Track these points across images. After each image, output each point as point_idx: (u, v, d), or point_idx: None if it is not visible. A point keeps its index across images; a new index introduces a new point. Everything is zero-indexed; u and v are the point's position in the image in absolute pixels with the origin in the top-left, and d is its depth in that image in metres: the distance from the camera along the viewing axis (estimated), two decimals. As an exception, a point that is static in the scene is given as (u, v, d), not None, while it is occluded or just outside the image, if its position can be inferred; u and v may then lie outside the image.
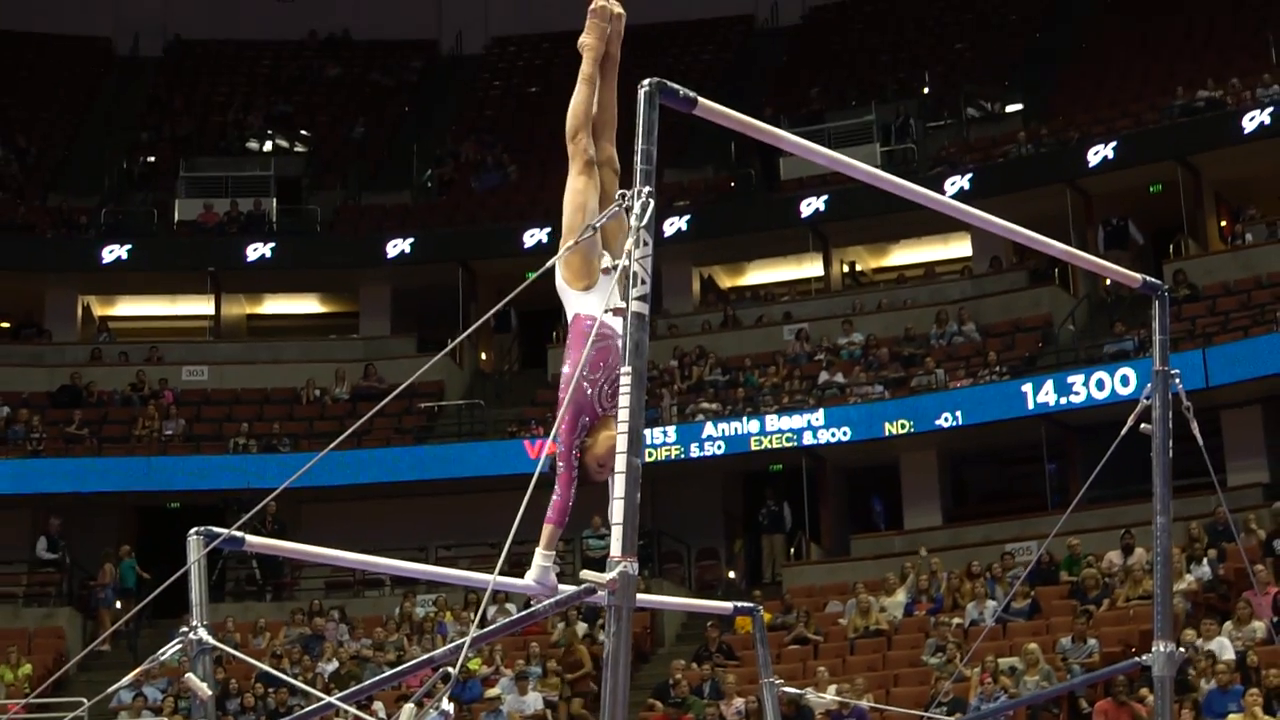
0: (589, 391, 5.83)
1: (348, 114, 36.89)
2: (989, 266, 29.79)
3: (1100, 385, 24.03)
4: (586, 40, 6.60)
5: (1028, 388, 24.74)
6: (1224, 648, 17.98)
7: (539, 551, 5.89)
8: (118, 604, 24.96)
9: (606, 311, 5.54)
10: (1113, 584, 21.02)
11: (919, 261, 32.07)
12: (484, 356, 31.86)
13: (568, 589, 5.80)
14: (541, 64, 38.45)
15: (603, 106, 6.61)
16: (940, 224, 28.69)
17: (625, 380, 4.09)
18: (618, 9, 6.64)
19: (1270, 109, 27.04)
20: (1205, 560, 20.58)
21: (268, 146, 35.81)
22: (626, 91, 4.66)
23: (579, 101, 6.62)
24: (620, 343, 5.55)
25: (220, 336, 32.12)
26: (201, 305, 32.49)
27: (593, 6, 6.59)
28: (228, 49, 38.55)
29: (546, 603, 5.14)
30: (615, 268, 4.18)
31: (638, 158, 4.28)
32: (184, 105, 36.87)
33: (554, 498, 5.92)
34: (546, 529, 5.91)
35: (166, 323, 33.17)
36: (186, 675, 5.60)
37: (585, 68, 6.62)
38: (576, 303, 6.02)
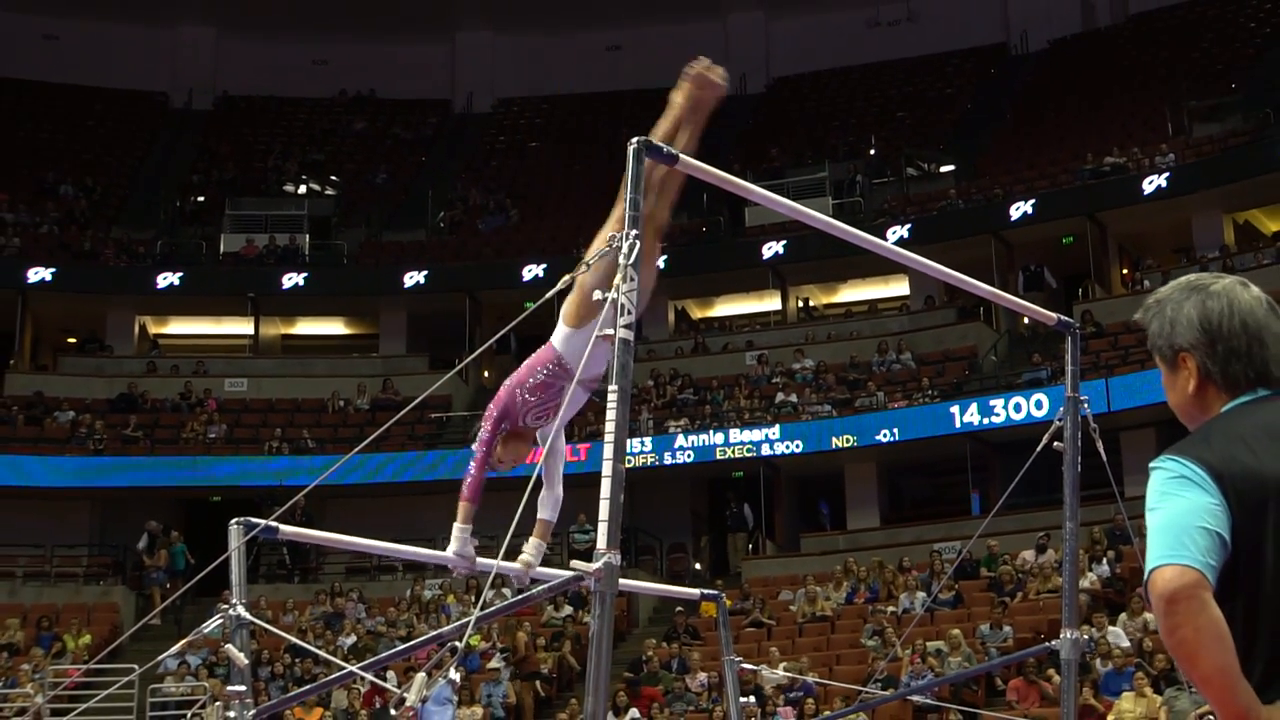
0: (519, 404, 5.79)
1: (372, 163, 36.89)
2: (924, 304, 29.85)
3: (1018, 408, 24.10)
4: (675, 98, 5.81)
5: (955, 409, 24.78)
6: (1119, 636, 18.02)
7: (456, 526, 5.84)
8: (167, 584, 24.87)
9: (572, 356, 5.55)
10: (1025, 579, 21.05)
11: (863, 299, 32.13)
12: (486, 374, 31.83)
13: (555, 573, 5.80)
14: (541, 122, 38.54)
15: (672, 170, 5.85)
16: (882, 267, 28.80)
17: (612, 398, 4.10)
18: (717, 79, 5.81)
19: (1166, 174, 27.21)
20: (1105, 560, 20.65)
21: (302, 190, 35.77)
22: (620, 149, 4.68)
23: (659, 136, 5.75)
24: (566, 388, 5.63)
25: (258, 353, 32.04)
26: (242, 326, 32.43)
27: (690, 70, 5.83)
28: (269, 104, 38.57)
29: (541, 588, 5.14)
30: (605, 299, 4.18)
31: (626, 205, 4.30)
32: (230, 152, 36.83)
33: (467, 478, 5.88)
34: (461, 506, 5.86)
35: (211, 340, 33.09)
36: (226, 646, 5.59)
37: (663, 124, 5.72)
38: (558, 336, 5.88)
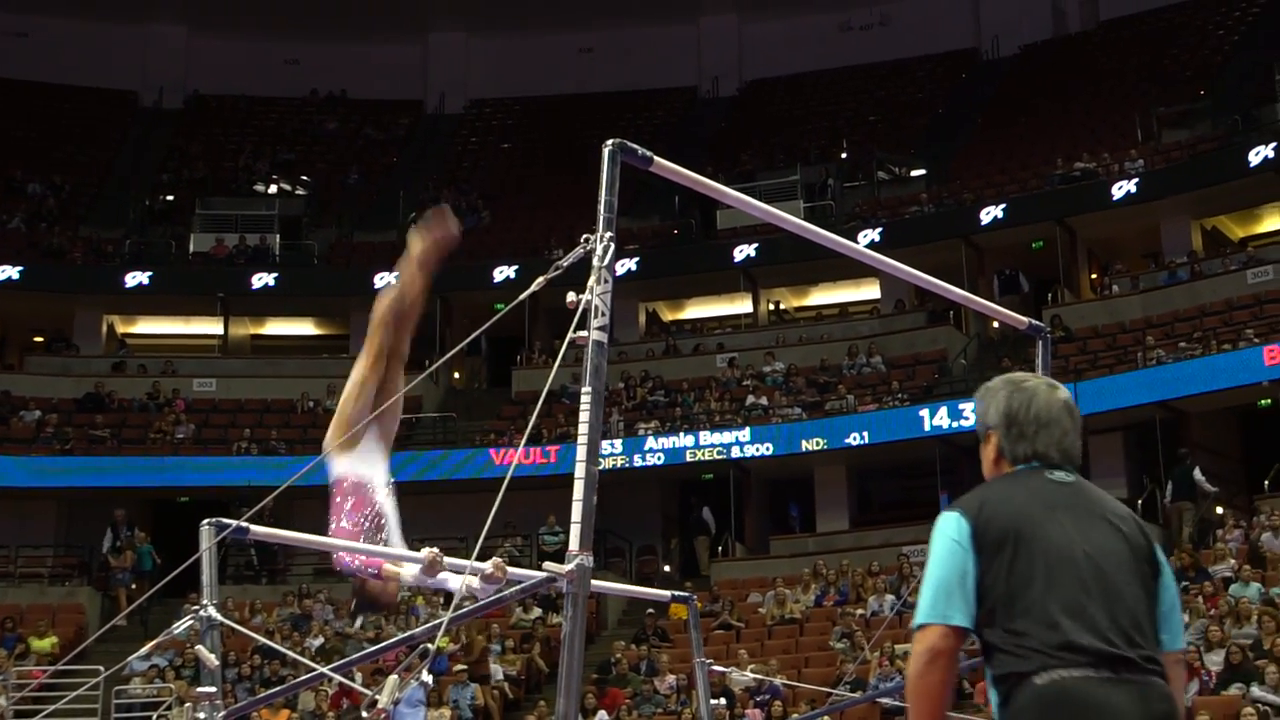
0: (360, 536, 6.03)
1: (343, 163, 36.80)
2: (894, 308, 29.94)
3: (987, 412, 24.15)
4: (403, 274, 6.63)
5: (925, 412, 24.86)
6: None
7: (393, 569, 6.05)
8: (133, 584, 24.73)
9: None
10: (994, 583, 21.09)
11: (834, 302, 32.21)
12: (457, 376, 31.80)
13: (527, 574, 5.79)
14: (513, 124, 38.51)
15: (413, 303, 6.56)
16: (853, 270, 28.88)
17: (585, 399, 4.10)
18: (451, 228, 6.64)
19: (1136, 179, 27.36)
20: (1074, 564, 20.72)
21: (273, 189, 35.62)
22: (592, 151, 4.68)
23: (392, 296, 6.58)
24: (371, 489, 6.02)
25: (227, 353, 31.93)
26: (211, 326, 32.31)
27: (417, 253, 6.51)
28: (240, 104, 38.42)
29: (512, 589, 5.14)
30: (579, 302, 4.18)
31: (601, 207, 4.30)
32: (200, 151, 36.67)
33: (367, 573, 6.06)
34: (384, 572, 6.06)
35: (180, 340, 32.94)
36: (197, 647, 5.57)
37: (403, 277, 6.56)
38: (336, 466, 6.21)
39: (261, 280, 31.16)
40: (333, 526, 6.00)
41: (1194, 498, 22.23)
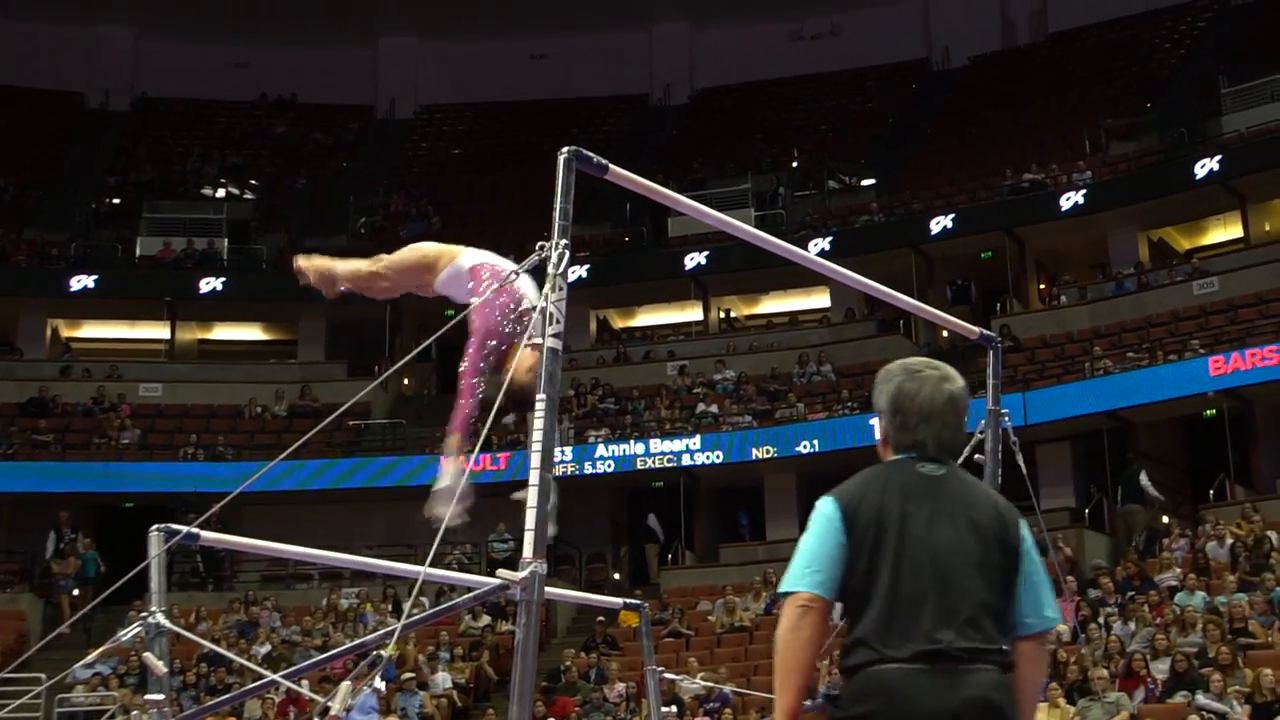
0: (496, 315, 5.62)
1: (292, 167, 36.60)
2: (844, 317, 30.07)
3: (937, 421, 24.30)
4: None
5: (875, 421, 24.87)
6: (1034, 647, 18.17)
7: (448, 460, 5.55)
8: (75, 591, 24.49)
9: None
10: (943, 591, 21.18)
11: (785, 311, 32.32)
12: (406, 382, 31.67)
13: (479, 581, 5.79)
14: (464, 130, 38.44)
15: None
16: (804, 279, 29.00)
17: (539, 406, 4.11)
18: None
19: (1084, 191, 27.61)
20: (1021, 572, 20.86)
21: (221, 193, 35.38)
22: (544, 158, 4.69)
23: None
24: (515, 280, 5.47)
25: (174, 358, 31.69)
26: (158, 330, 32.06)
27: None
28: (188, 107, 38.16)
29: (465, 597, 5.13)
30: (534, 309, 4.18)
31: (556, 214, 4.31)
32: (147, 154, 36.38)
33: (457, 410, 5.60)
34: (450, 439, 5.57)
35: (126, 345, 32.63)
36: (145, 654, 5.53)
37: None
38: (465, 257, 6.00)
39: (209, 284, 30.96)
40: (476, 311, 5.60)
41: (1142, 503, 22.49)
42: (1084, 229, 28.04)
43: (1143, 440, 24.27)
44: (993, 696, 3.46)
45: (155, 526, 5.66)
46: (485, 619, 22.80)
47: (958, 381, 3.81)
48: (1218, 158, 26.45)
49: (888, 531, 3.55)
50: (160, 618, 5.49)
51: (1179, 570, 19.54)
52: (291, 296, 31.33)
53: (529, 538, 4.03)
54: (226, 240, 32.60)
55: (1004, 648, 3.52)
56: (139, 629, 5.51)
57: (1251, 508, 20.95)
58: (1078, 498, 24.76)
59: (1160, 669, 16.52)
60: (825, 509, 3.65)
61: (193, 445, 27.62)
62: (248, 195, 35.60)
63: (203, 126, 38.05)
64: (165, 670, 5.45)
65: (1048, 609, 3.65)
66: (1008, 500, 3.85)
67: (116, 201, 34.35)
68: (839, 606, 3.64)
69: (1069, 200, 27.55)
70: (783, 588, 3.64)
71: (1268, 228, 27.85)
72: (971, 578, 3.52)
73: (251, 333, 33.68)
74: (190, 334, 32.75)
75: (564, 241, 4.21)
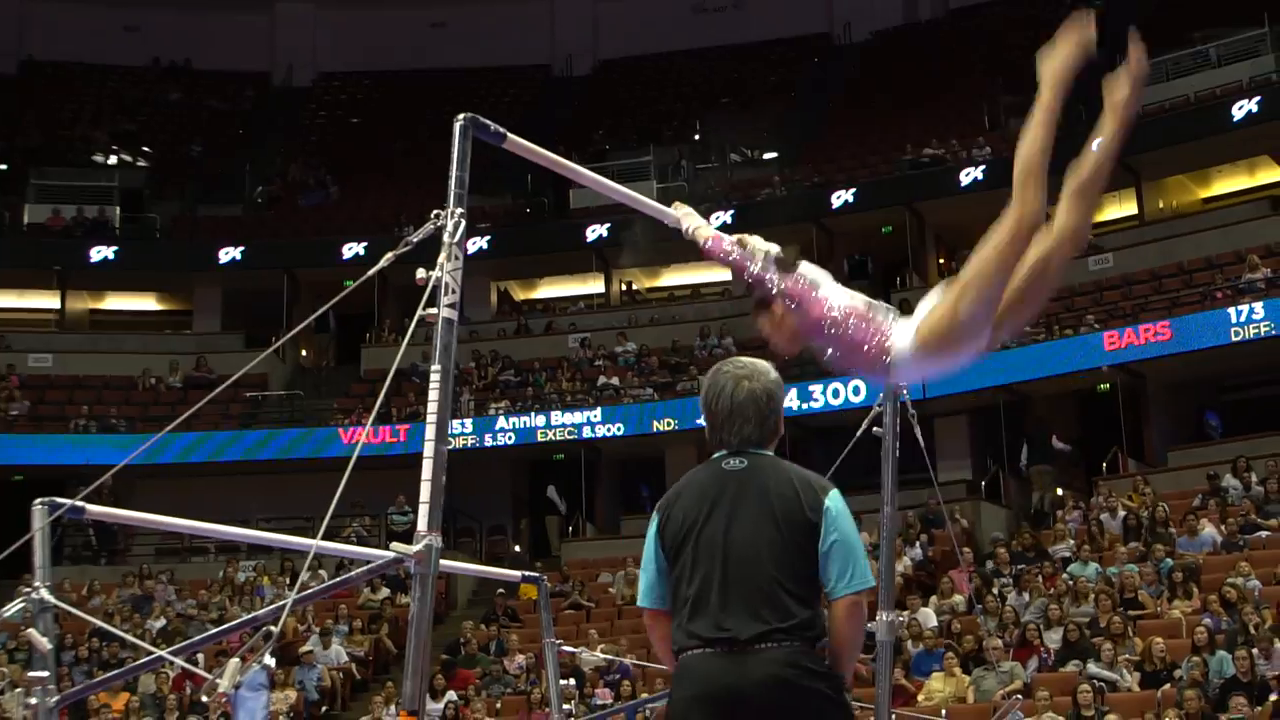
0: (818, 321, 4.72)
1: (187, 134, 35.99)
2: (745, 290, 30.11)
3: (836, 394, 24.55)
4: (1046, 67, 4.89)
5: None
6: (928, 617, 18.46)
7: (697, 220, 5.40)
8: (-38, 566, 23.98)
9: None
10: (841, 563, 21.38)
11: (686, 283, 32.36)
12: (304, 353, 31.36)
13: (374, 554, 5.72)
14: (362, 98, 38.04)
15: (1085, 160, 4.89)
16: (705, 252, 29.01)
17: (434, 378, 4.06)
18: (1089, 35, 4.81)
19: (983, 166, 27.86)
20: (918, 543, 21.14)
21: (112, 160, 34.75)
22: (443, 128, 4.62)
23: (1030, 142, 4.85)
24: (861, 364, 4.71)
25: (64, 328, 31.11)
26: (48, 300, 31.49)
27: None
28: (78, 70, 37.33)
29: (360, 570, 5.07)
30: (429, 279, 4.10)
31: (452, 183, 4.26)
32: (35, 119, 35.58)
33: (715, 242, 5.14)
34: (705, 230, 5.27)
35: (15, 314, 31.96)
36: (29, 630, 5.41)
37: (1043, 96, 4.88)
38: (901, 338, 4.64)
39: (101, 254, 30.40)
40: (829, 304, 4.68)
41: (1050, 462, 22.94)
42: (983, 204, 27.97)
43: (1038, 413, 24.65)
44: (781, 672, 3.82)
45: (39, 500, 5.53)
46: (385, 592, 22.69)
47: (761, 379, 4.09)
48: (1113, 135, 26.81)
49: (689, 539, 3.97)
50: (45, 593, 5.37)
51: (1072, 542, 19.89)
52: (186, 266, 31.17)
53: (424, 510, 3.99)
54: (118, 208, 32.01)
55: (801, 624, 3.86)
56: (22, 604, 5.39)
57: (1143, 480, 21.36)
58: (975, 471, 25.09)
59: (1053, 639, 16.82)
60: (650, 527, 4.11)
61: (84, 417, 27.16)
62: (140, 162, 34.97)
63: (93, 91, 37.27)
64: (49, 647, 5.33)
65: (853, 576, 3.89)
66: (820, 475, 4.07)
67: (2, 168, 33.58)
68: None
69: (969, 176, 27.81)
70: (638, 600, 4.22)
71: (1161, 205, 28.34)
72: (764, 567, 3.87)
73: (145, 303, 33.14)
74: (81, 304, 32.15)
75: (460, 210, 4.16)
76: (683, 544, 3.98)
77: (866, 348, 4.64)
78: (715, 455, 4.12)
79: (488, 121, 4.37)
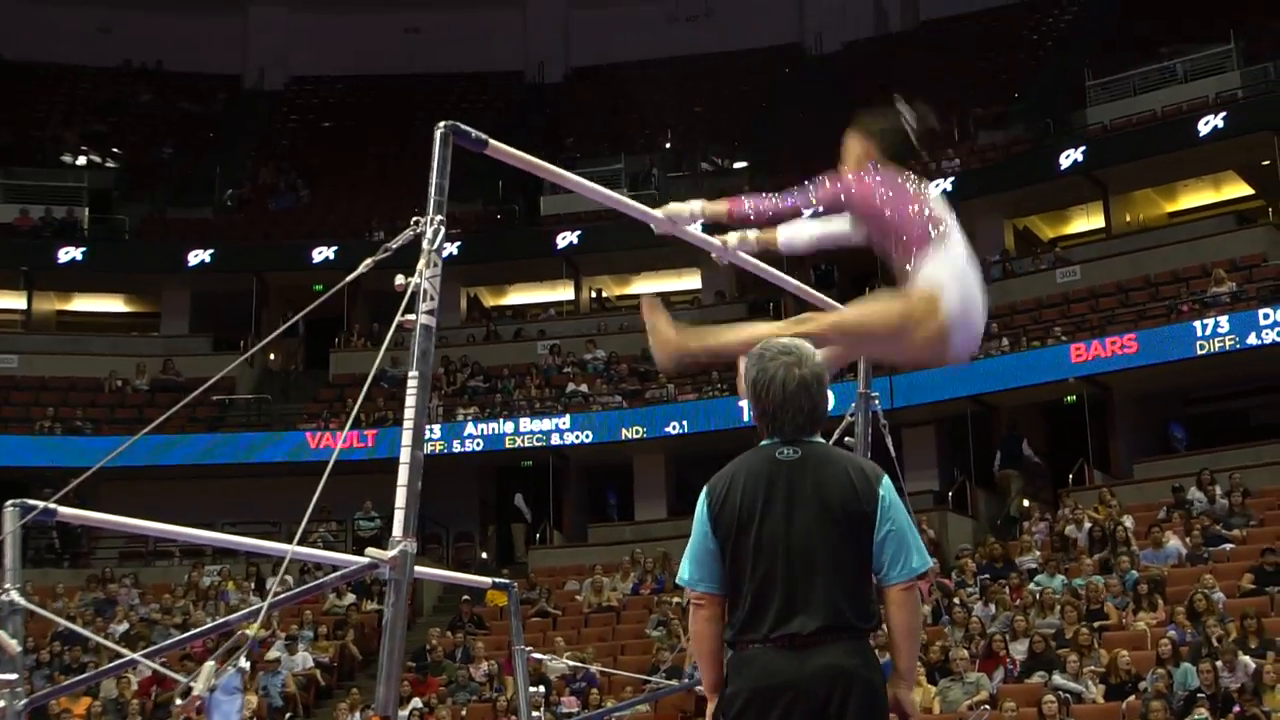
0: (884, 192, 5.58)
1: (157, 136, 35.84)
2: (714, 299, 30.23)
3: (805, 403, 24.56)
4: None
5: (744, 403, 25.07)
6: (896, 628, 18.46)
7: (699, 203, 5.67)
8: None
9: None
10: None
11: (656, 291, 32.37)
12: (273, 357, 31.23)
13: (347, 559, 5.70)
14: (335, 102, 37.94)
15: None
16: (675, 260, 29.09)
17: (412, 384, 4.06)
18: None
19: (951, 179, 27.96)
20: (885, 553, 21.17)
21: (82, 160, 34.56)
22: (415, 133, 4.63)
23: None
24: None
25: (30, 329, 30.91)
26: (14, 300, 31.28)
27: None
28: (49, 71, 37.13)
29: (332, 575, 5.06)
30: (408, 285, 4.10)
31: (431, 190, 4.26)
32: (4, 119, 35.36)
33: (761, 197, 5.53)
34: (724, 201, 5.59)
35: (-20, 315, 31.81)
36: (-2, 633, 5.38)
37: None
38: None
39: (69, 254, 30.24)
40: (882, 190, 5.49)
41: (1020, 468, 23.06)
42: (952, 215, 28.45)
43: (1006, 424, 24.75)
44: (843, 662, 3.85)
45: (11, 502, 5.51)
46: (350, 597, 22.61)
47: (808, 364, 4.05)
48: (1082, 149, 27.00)
49: (747, 529, 3.93)
50: (14, 595, 5.35)
51: (1039, 553, 19.97)
52: (154, 268, 31.00)
53: (399, 516, 3.99)
54: (87, 209, 31.86)
55: (856, 621, 3.90)
56: (-9, 607, 5.36)
57: (1109, 492, 21.47)
58: (941, 480, 25.18)
59: (1019, 650, 16.88)
60: (699, 509, 4.02)
61: (49, 419, 26.98)
62: (110, 164, 34.79)
63: (63, 92, 37.07)
64: (19, 649, 5.31)
65: (913, 559, 3.96)
66: (871, 462, 4.18)
67: (-30, 167, 33.36)
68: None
69: (937, 187, 27.85)
70: (679, 578, 4.11)
71: (1128, 218, 28.53)
72: (824, 562, 3.89)
73: (113, 304, 32.97)
74: (49, 304, 31.96)
75: (439, 217, 4.16)
76: (740, 534, 3.94)
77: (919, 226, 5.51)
78: (765, 443, 4.06)
79: (469, 129, 4.37)
